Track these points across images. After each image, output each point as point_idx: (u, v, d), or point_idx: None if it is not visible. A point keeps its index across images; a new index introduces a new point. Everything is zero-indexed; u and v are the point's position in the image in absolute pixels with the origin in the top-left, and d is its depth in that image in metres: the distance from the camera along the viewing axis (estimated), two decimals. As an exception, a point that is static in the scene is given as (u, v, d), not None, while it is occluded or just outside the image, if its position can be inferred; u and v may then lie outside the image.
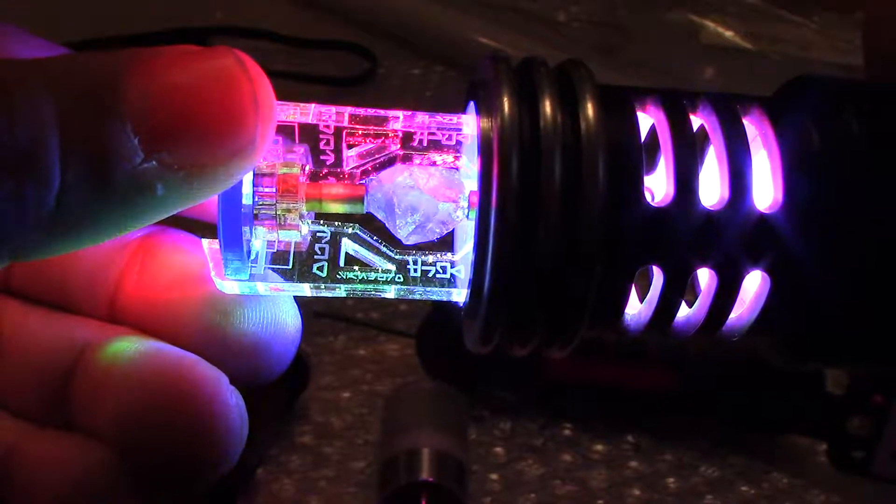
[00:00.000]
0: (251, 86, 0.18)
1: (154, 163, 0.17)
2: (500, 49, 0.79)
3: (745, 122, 0.20)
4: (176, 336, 0.21)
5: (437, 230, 0.21)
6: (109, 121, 0.17)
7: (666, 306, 0.20)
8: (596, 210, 0.18)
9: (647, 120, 0.20)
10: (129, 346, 0.21)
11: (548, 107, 0.19)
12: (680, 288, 0.20)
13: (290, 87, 0.76)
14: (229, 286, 0.21)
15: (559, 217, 0.19)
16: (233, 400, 0.21)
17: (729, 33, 0.82)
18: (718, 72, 0.78)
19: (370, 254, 0.21)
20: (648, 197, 0.19)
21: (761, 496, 0.51)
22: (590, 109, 0.19)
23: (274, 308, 0.21)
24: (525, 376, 0.53)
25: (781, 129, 0.20)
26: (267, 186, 0.20)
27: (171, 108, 0.17)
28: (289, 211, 0.20)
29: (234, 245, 0.20)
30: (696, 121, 0.20)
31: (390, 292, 0.21)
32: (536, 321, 0.20)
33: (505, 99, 0.19)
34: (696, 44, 0.82)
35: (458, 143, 0.21)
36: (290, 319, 0.22)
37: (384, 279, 0.21)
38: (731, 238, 0.19)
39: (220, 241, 0.20)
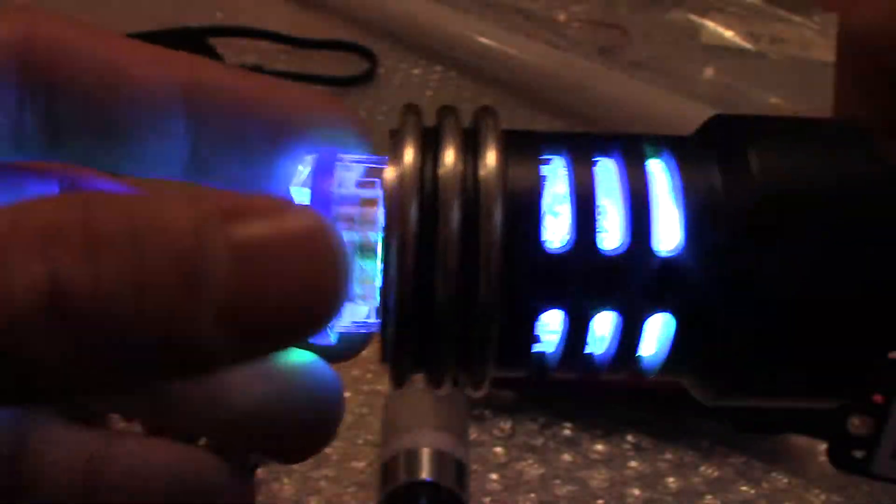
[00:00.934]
0: (338, 261, 0.17)
1: (223, 339, 0.16)
2: (501, 49, 0.79)
3: (657, 162, 0.20)
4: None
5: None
6: (188, 288, 0.15)
7: (571, 349, 0.20)
8: (493, 255, 0.19)
9: (557, 166, 0.21)
10: None
11: (449, 155, 0.19)
12: (582, 332, 0.20)
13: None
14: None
15: (457, 263, 0.19)
16: (332, 379, 0.21)
17: (729, 33, 0.83)
18: (718, 72, 0.78)
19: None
20: (552, 243, 0.19)
21: (761, 496, 0.51)
22: (490, 157, 0.19)
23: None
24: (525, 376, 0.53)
25: (687, 172, 0.20)
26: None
27: (250, 280, 0.16)
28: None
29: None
30: (606, 163, 0.21)
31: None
32: (443, 364, 0.20)
33: (407, 149, 0.19)
34: (696, 44, 0.82)
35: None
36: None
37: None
38: (631, 284, 0.19)
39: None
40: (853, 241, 0.19)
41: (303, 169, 0.21)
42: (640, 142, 0.21)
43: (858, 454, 0.48)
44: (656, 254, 0.19)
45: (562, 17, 0.86)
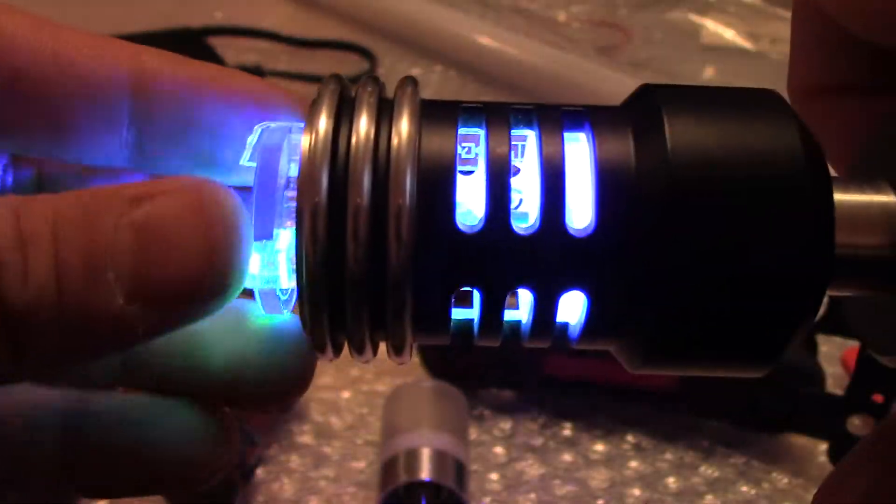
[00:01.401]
0: (232, 224, 0.18)
1: (134, 308, 0.18)
2: (501, 49, 0.79)
3: (578, 135, 0.20)
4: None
5: None
6: (101, 273, 0.17)
7: (488, 324, 0.20)
8: (403, 222, 0.18)
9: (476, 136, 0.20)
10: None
11: (362, 123, 0.19)
12: (497, 308, 0.19)
13: (290, 87, 0.76)
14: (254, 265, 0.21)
15: (367, 229, 0.18)
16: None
17: (729, 33, 0.83)
18: (718, 72, 0.78)
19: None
20: (466, 217, 0.19)
21: (761, 496, 0.51)
22: (404, 125, 0.19)
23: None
24: (525, 376, 0.53)
25: (604, 146, 0.19)
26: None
27: (151, 254, 0.18)
28: None
29: (264, 234, 0.20)
30: (527, 136, 0.20)
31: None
32: (360, 329, 0.20)
33: (321, 117, 0.19)
34: (696, 44, 0.82)
35: None
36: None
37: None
38: (544, 263, 0.19)
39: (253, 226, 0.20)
40: (768, 211, 0.19)
41: (251, 142, 0.21)
42: (559, 112, 0.20)
43: (858, 454, 0.48)
44: (569, 233, 0.19)
45: (562, 17, 0.86)
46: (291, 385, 0.22)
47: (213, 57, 0.73)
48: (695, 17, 0.84)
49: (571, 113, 0.20)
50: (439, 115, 0.20)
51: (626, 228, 0.19)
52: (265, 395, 0.22)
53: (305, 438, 0.52)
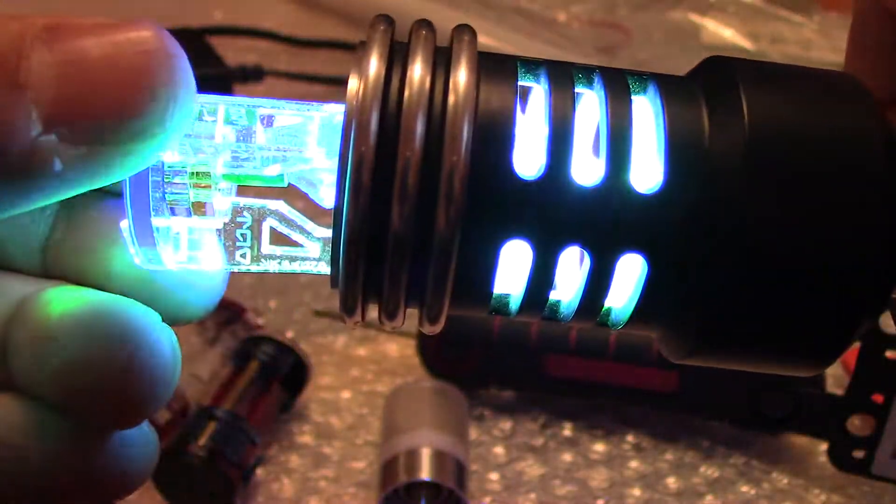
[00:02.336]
0: (168, 64, 0.17)
1: (53, 136, 0.16)
2: (501, 49, 0.79)
3: (641, 99, 0.19)
4: (107, 282, 0.21)
5: None
6: (6, 90, 0.16)
7: (536, 286, 0.19)
8: (456, 179, 0.17)
9: (537, 91, 0.19)
10: (63, 295, 0.20)
11: (417, 70, 0.18)
12: (548, 267, 0.18)
13: (290, 87, 0.76)
14: (154, 268, 0.20)
15: (417, 185, 0.17)
16: (165, 337, 0.20)
17: (729, 33, 0.82)
18: (718, 72, 0.78)
19: (295, 233, 0.21)
20: (523, 170, 0.18)
21: (761, 496, 0.51)
22: (462, 74, 0.18)
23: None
24: (525, 376, 0.53)
25: (673, 110, 0.19)
26: (179, 180, 0.19)
27: (76, 80, 0.16)
28: (206, 197, 0.19)
29: (146, 241, 0.19)
30: (588, 95, 0.19)
31: (323, 268, 0.21)
32: (397, 293, 0.18)
33: (372, 60, 0.18)
34: (696, 44, 0.82)
35: None
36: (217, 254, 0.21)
37: (310, 257, 0.20)
38: (604, 217, 0.18)
39: (130, 234, 0.19)
40: (844, 197, 0.18)
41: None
42: (623, 74, 0.19)
43: (858, 454, 0.48)
44: (633, 190, 0.18)
45: (562, 17, 0.86)
46: (151, 391, 0.20)
47: (213, 57, 0.73)
48: (695, 17, 0.84)
49: (636, 75, 0.20)
50: (497, 67, 0.19)
51: (695, 190, 0.18)
52: (120, 402, 0.20)
53: (305, 438, 0.52)
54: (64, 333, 0.20)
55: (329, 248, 0.20)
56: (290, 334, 0.56)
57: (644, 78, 0.20)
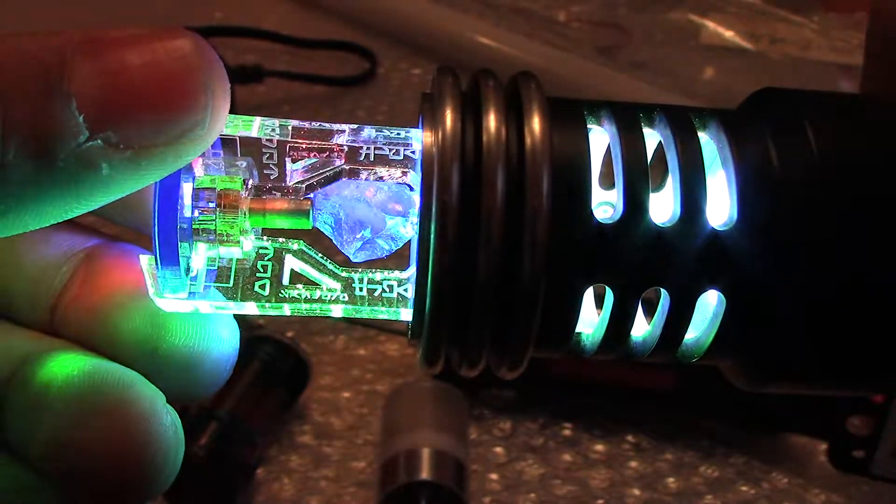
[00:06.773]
0: (206, 68, 0.18)
1: (99, 141, 0.17)
2: (501, 49, 0.79)
3: (703, 136, 0.20)
4: (112, 349, 0.21)
5: (386, 246, 0.20)
6: (54, 98, 0.17)
7: (617, 326, 0.19)
8: (539, 227, 0.18)
9: (602, 135, 0.20)
10: (66, 362, 0.20)
11: (492, 120, 0.18)
12: (630, 307, 0.19)
13: (290, 87, 0.76)
14: (168, 304, 0.20)
15: (501, 234, 0.18)
16: (168, 420, 0.20)
17: (729, 33, 0.82)
18: (718, 72, 0.78)
19: (315, 271, 0.21)
20: (600, 214, 0.19)
21: (761, 496, 0.51)
22: (536, 123, 0.18)
23: (210, 324, 0.21)
24: (525, 376, 0.53)
25: (739, 145, 0.19)
26: (207, 200, 0.20)
27: (118, 86, 0.17)
28: (230, 226, 0.20)
29: (171, 262, 0.19)
30: (652, 135, 0.20)
31: (337, 311, 0.21)
32: (481, 342, 0.19)
33: (448, 113, 0.18)
34: (696, 44, 0.82)
35: (407, 157, 0.20)
36: (226, 336, 0.21)
37: (329, 298, 0.20)
38: (683, 256, 0.18)
39: (155, 257, 0.19)
40: None
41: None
42: (686, 112, 0.20)
43: (858, 454, 0.48)
44: (710, 227, 0.18)
45: (562, 17, 0.86)
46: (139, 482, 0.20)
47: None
48: (695, 17, 0.84)
49: (697, 112, 0.20)
50: (566, 112, 0.19)
51: (770, 223, 0.18)
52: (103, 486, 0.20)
53: (305, 438, 0.52)
54: (61, 406, 0.19)
55: (347, 291, 0.20)
56: (290, 334, 0.56)
57: (704, 115, 0.20)
